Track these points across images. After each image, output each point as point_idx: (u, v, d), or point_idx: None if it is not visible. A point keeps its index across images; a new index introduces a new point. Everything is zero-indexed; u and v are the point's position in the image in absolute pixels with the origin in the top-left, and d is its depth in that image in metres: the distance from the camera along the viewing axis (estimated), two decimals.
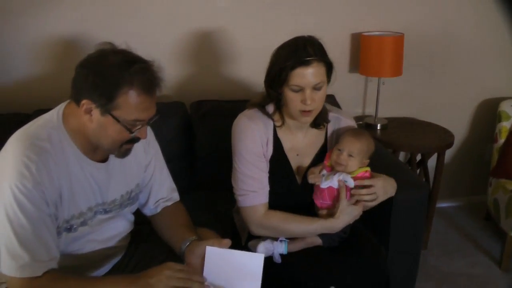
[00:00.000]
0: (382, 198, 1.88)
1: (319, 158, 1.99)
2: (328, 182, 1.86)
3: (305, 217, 1.88)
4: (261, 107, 1.92)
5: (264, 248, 1.84)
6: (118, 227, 1.75)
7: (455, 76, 3.31)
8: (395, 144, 2.91)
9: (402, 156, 3.35)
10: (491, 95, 3.41)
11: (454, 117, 3.37)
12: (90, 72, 1.42)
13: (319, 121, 1.94)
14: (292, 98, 1.78)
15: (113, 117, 1.44)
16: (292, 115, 1.85)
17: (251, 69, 2.78)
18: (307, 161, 1.99)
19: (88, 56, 1.47)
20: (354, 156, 1.87)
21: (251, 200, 1.88)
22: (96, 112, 1.45)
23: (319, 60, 1.75)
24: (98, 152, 1.60)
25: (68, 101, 1.56)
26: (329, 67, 1.81)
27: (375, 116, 3.11)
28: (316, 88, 1.77)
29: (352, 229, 1.97)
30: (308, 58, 1.73)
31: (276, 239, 1.87)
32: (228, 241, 1.57)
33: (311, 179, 1.90)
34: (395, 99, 3.24)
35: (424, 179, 3.20)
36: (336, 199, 1.88)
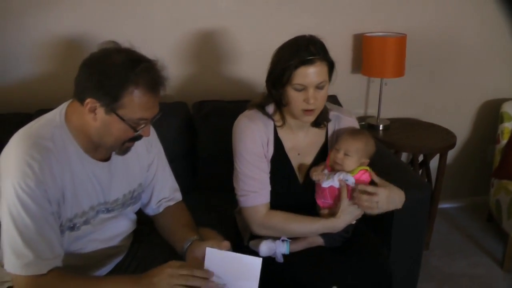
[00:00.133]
0: (385, 208, 1.84)
1: (320, 157, 1.99)
2: (329, 182, 1.86)
3: (306, 216, 1.88)
4: (261, 107, 1.92)
5: (266, 248, 1.84)
6: (121, 227, 1.75)
7: (458, 77, 3.31)
8: (397, 144, 2.91)
9: (404, 156, 3.35)
10: (493, 96, 3.41)
11: (456, 118, 3.37)
12: (94, 71, 1.43)
13: (320, 120, 1.94)
14: (295, 97, 1.78)
15: (118, 116, 1.45)
16: (294, 114, 1.85)
17: (254, 70, 2.78)
18: (308, 160, 2.00)
19: (91, 55, 1.47)
20: (350, 155, 1.87)
21: (252, 201, 1.89)
22: (100, 111, 1.45)
23: (321, 59, 1.76)
24: (99, 151, 1.60)
25: (70, 100, 1.56)
26: (331, 66, 1.82)
27: (377, 117, 3.11)
28: (319, 87, 1.77)
29: (354, 229, 1.97)
30: (311, 57, 1.73)
31: (277, 238, 1.87)
32: (227, 244, 1.57)
33: (315, 176, 1.91)
34: (398, 100, 3.24)
35: (426, 180, 3.20)
36: (337, 198, 1.88)
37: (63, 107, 1.56)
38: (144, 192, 1.82)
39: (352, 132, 1.94)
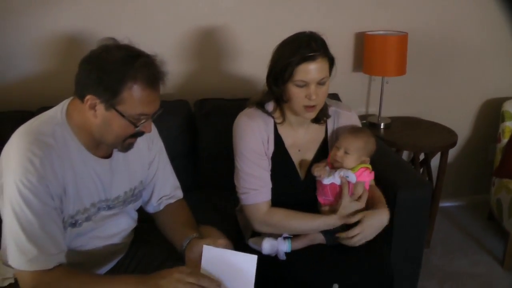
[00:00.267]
0: (370, 236, 1.85)
1: (321, 152, 2.00)
2: (331, 179, 1.87)
3: (307, 213, 1.89)
4: (261, 105, 1.93)
5: (269, 245, 1.84)
6: (122, 224, 1.75)
7: (459, 76, 3.31)
8: (398, 143, 2.91)
9: (405, 155, 3.35)
10: (494, 95, 3.41)
11: (457, 117, 3.37)
12: (94, 68, 1.43)
13: (320, 116, 1.95)
14: (297, 94, 1.79)
15: (118, 111, 1.45)
16: (295, 110, 1.86)
17: (255, 68, 2.78)
18: (309, 156, 2.00)
19: (91, 52, 1.47)
20: (350, 153, 1.88)
21: (253, 198, 1.89)
22: (100, 107, 1.45)
23: (323, 55, 1.77)
24: (101, 148, 1.60)
25: (72, 97, 1.56)
26: (331, 62, 1.83)
27: (379, 115, 3.11)
28: (320, 83, 1.78)
29: None
30: (313, 54, 1.74)
31: (278, 236, 1.88)
32: (223, 242, 1.58)
33: (316, 172, 1.91)
34: (399, 98, 3.24)
35: (427, 178, 3.20)
36: (338, 195, 1.88)
37: (64, 104, 1.57)
38: (145, 190, 1.82)
39: (353, 130, 1.95)
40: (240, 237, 2.05)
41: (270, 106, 1.93)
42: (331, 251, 1.90)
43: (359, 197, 1.88)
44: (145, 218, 1.88)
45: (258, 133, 1.89)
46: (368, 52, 2.93)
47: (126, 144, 1.57)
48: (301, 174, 2.00)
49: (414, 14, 3.07)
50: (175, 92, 2.73)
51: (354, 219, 1.83)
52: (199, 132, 2.57)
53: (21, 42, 2.53)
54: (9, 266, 1.45)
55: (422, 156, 3.18)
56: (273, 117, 1.93)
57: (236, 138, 1.91)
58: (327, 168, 1.91)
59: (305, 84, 1.77)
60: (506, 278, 2.86)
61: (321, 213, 1.92)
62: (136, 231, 1.86)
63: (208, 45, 2.80)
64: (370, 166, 1.93)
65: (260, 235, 1.93)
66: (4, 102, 2.51)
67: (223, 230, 1.78)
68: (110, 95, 1.42)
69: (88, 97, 1.44)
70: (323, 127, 2.02)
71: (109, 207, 1.67)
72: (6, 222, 1.44)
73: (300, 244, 1.89)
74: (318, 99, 1.79)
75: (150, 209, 1.87)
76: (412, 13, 3.06)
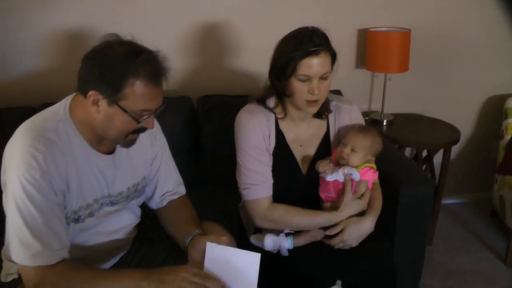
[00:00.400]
0: (355, 243, 1.87)
1: (322, 147, 2.01)
2: (334, 176, 1.87)
3: (308, 210, 1.89)
4: (262, 101, 1.93)
5: (271, 241, 1.85)
6: (125, 220, 1.75)
7: (462, 73, 3.30)
8: (401, 140, 2.91)
9: (408, 152, 3.34)
10: (497, 91, 3.40)
11: (460, 114, 3.36)
12: (97, 63, 1.43)
13: (322, 111, 1.95)
14: (299, 88, 1.79)
15: (120, 107, 1.45)
16: (298, 105, 1.86)
17: (258, 64, 2.76)
18: (311, 151, 2.01)
19: (94, 48, 1.47)
20: (356, 151, 1.89)
21: (254, 194, 1.90)
22: (103, 103, 1.45)
23: (325, 50, 1.78)
24: (104, 144, 1.60)
25: (74, 93, 1.56)
26: (333, 57, 1.84)
27: (381, 112, 3.10)
28: (323, 77, 1.79)
29: None
30: (316, 48, 1.75)
31: (280, 232, 1.88)
32: (225, 239, 1.58)
33: (322, 167, 1.92)
34: (402, 95, 3.23)
35: (429, 175, 3.20)
36: (341, 192, 1.89)
37: (67, 100, 1.57)
38: (148, 186, 1.82)
39: (361, 128, 1.96)
40: (243, 233, 2.05)
41: (271, 101, 1.94)
42: (333, 248, 1.89)
43: (361, 195, 1.88)
44: (148, 214, 1.88)
45: (259, 129, 1.90)
46: (371, 49, 2.93)
47: (128, 140, 1.57)
48: (303, 169, 2.00)
49: (417, 11, 3.06)
50: (177, 89, 2.73)
51: (335, 230, 1.85)
52: (202, 129, 2.57)
53: (23, 39, 2.53)
54: (13, 261, 1.46)
55: (424, 153, 3.18)
56: (274, 113, 1.94)
57: (238, 133, 1.92)
58: (331, 165, 1.92)
59: (307, 79, 1.78)
60: (508, 275, 2.86)
61: (323, 209, 1.92)
62: (139, 227, 1.86)
63: (211, 41, 2.80)
64: (374, 166, 1.94)
65: (261, 232, 1.94)
66: (6, 98, 2.51)
67: (226, 227, 1.78)
68: (113, 90, 1.42)
69: (90, 92, 1.44)
70: (325, 122, 2.03)
71: (112, 203, 1.67)
72: (9, 218, 1.45)
73: (302, 240, 1.89)
74: (320, 93, 1.80)
75: (153, 205, 1.87)
76: (415, 10, 3.06)
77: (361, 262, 1.86)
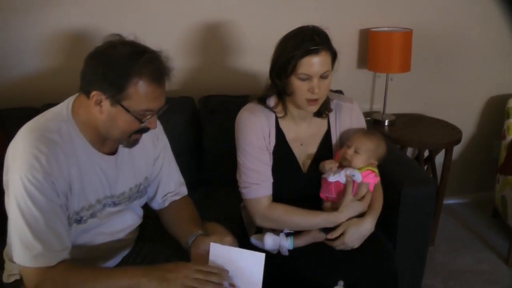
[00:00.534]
0: (357, 244, 1.87)
1: (323, 146, 2.01)
2: (336, 177, 1.88)
3: (308, 210, 1.89)
4: (262, 100, 1.94)
5: (271, 240, 1.85)
6: (127, 220, 1.75)
7: (464, 73, 3.30)
8: (402, 140, 2.91)
9: (409, 152, 3.34)
10: (499, 91, 3.40)
11: (462, 114, 3.36)
12: (100, 64, 1.43)
13: (322, 110, 1.95)
14: (300, 87, 1.80)
15: (123, 107, 1.45)
16: (298, 104, 1.86)
17: (260, 64, 2.73)
18: (311, 150, 2.01)
19: (96, 48, 1.47)
20: (360, 153, 1.89)
21: (254, 193, 1.91)
22: (106, 103, 1.45)
23: (326, 49, 1.78)
24: (106, 144, 1.60)
25: (77, 94, 1.56)
26: (334, 56, 1.84)
27: (383, 112, 3.10)
28: (323, 76, 1.79)
29: None
30: (316, 47, 1.75)
31: (280, 231, 1.88)
32: (229, 239, 1.59)
33: (328, 165, 1.92)
34: (403, 95, 3.23)
35: (431, 175, 3.20)
36: (341, 193, 1.89)
37: (69, 101, 1.57)
38: (150, 186, 1.82)
39: (366, 131, 1.98)
40: (244, 234, 2.05)
41: (271, 100, 1.94)
42: (334, 248, 1.89)
43: (362, 197, 1.89)
44: (150, 215, 1.88)
45: (260, 128, 1.91)
46: (373, 49, 2.93)
47: (131, 140, 1.57)
48: (304, 168, 2.00)
49: (419, 11, 3.06)
50: (179, 89, 2.73)
51: (336, 234, 1.85)
52: (204, 129, 2.57)
53: (26, 39, 2.54)
54: (15, 262, 1.46)
55: (426, 153, 3.17)
56: (274, 112, 1.94)
57: (238, 133, 1.93)
58: (337, 165, 1.92)
59: (308, 78, 1.78)
60: (510, 276, 2.85)
61: (323, 209, 1.92)
62: (142, 228, 1.87)
63: (213, 41, 2.80)
64: (376, 170, 1.94)
65: (261, 232, 1.94)
66: (9, 99, 2.52)
67: (227, 227, 1.78)
68: (116, 90, 1.42)
69: (93, 93, 1.44)
70: (325, 121, 2.03)
71: (115, 204, 1.67)
72: (11, 218, 1.45)
73: (302, 241, 1.89)
74: (320, 92, 1.80)
75: (155, 205, 1.87)
76: (416, 10, 3.06)
77: (363, 263, 1.86)
